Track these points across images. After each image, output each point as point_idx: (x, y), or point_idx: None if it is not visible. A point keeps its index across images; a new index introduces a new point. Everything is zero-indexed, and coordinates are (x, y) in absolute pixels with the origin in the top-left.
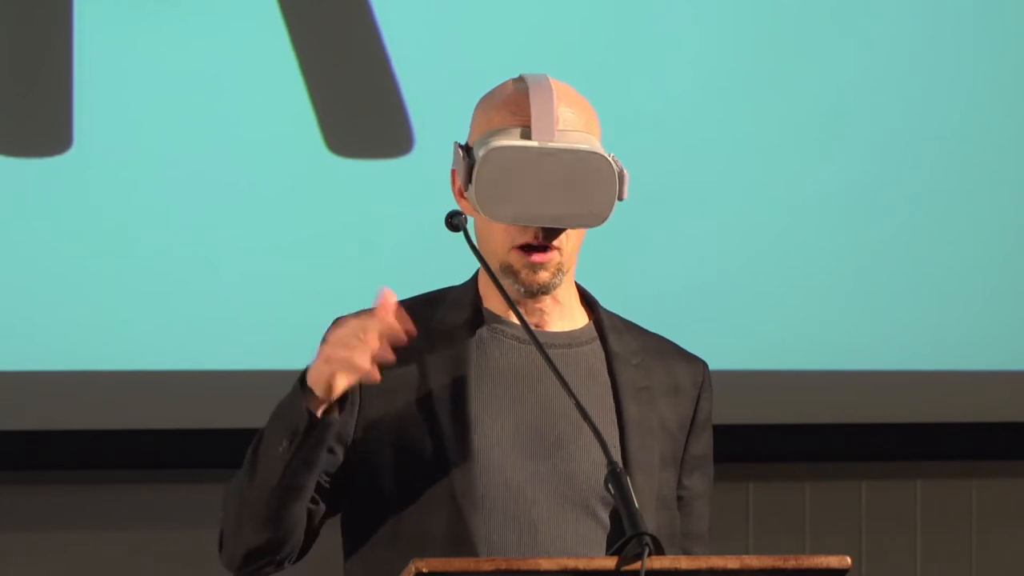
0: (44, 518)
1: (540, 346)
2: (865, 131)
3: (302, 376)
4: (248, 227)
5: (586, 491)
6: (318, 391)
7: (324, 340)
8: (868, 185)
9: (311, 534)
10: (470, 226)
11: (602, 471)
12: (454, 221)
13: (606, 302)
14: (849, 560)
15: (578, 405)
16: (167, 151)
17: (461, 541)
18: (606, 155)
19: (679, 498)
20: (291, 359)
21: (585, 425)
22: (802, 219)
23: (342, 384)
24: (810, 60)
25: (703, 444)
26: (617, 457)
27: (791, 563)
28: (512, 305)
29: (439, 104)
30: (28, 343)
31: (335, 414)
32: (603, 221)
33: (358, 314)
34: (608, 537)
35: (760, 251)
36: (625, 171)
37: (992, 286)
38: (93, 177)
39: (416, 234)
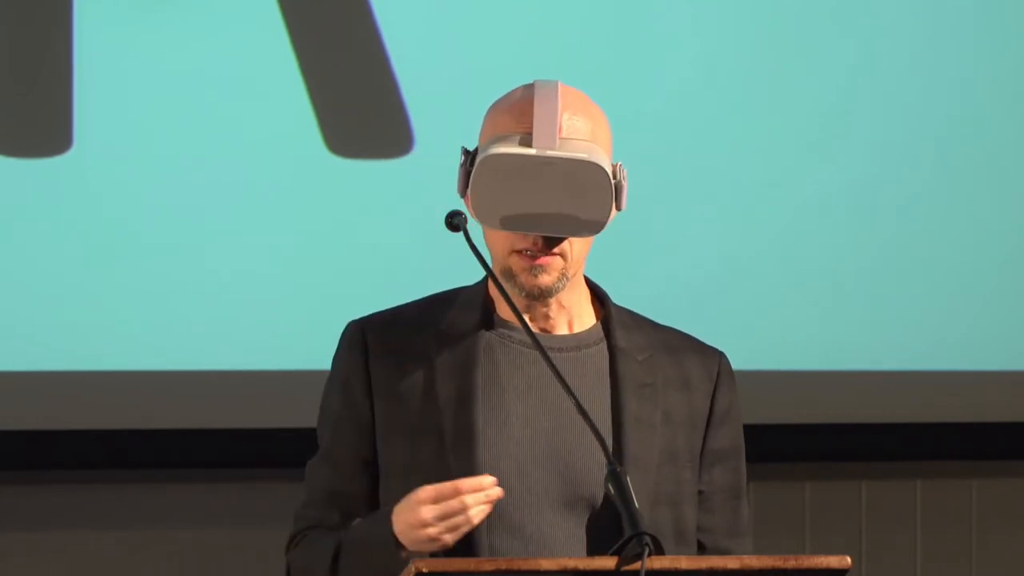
0: (44, 518)
1: (543, 351)
2: (865, 131)
3: (392, 534)
4: (248, 227)
5: (590, 496)
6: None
7: (416, 502)
8: (869, 185)
9: None
10: (472, 226)
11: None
12: (454, 221)
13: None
14: (849, 560)
15: (578, 406)
16: (167, 151)
17: (464, 549)
18: (604, 165)
19: (700, 492)
20: (291, 359)
21: (590, 430)
22: (802, 219)
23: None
24: (810, 60)
25: (723, 438)
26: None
27: (791, 563)
28: (515, 310)
29: (439, 104)
30: (28, 343)
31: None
32: (599, 230)
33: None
34: (613, 542)
35: (761, 251)
36: (624, 182)
37: (992, 286)
38: (93, 177)
39: (416, 234)
